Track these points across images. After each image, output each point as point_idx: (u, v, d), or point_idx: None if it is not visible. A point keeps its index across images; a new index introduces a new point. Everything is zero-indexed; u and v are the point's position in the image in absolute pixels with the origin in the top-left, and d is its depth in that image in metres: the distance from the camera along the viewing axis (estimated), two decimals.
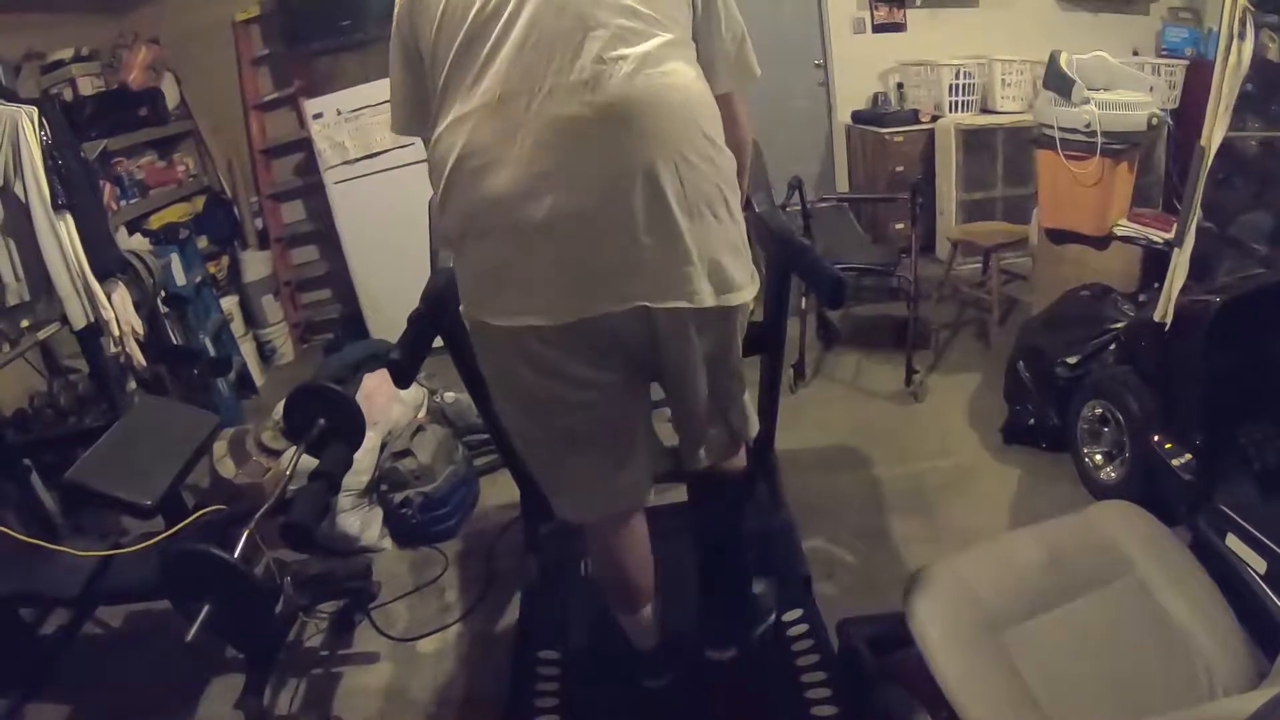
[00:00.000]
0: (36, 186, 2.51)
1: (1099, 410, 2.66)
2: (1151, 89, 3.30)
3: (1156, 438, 2.32)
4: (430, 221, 1.83)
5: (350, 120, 4.15)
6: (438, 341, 1.80)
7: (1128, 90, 3.19)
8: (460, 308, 1.47)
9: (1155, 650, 1.45)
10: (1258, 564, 1.66)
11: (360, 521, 2.88)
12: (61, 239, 2.57)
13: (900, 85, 5.05)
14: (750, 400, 1.75)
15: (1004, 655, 1.44)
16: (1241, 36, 1.96)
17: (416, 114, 1.48)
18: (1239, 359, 2.17)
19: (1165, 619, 1.48)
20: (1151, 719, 1.12)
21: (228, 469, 2.89)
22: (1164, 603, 1.50)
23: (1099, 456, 2.69)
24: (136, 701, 2.32)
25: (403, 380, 1.63)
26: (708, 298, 1.39)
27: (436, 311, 1.74)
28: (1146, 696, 1.40)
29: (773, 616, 2.07)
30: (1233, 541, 1.72)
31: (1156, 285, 3.02)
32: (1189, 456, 2.22)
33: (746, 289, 1.47)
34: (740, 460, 1.86)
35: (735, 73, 1.49)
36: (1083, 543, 1.62)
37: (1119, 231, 3.22)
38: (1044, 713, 1.37)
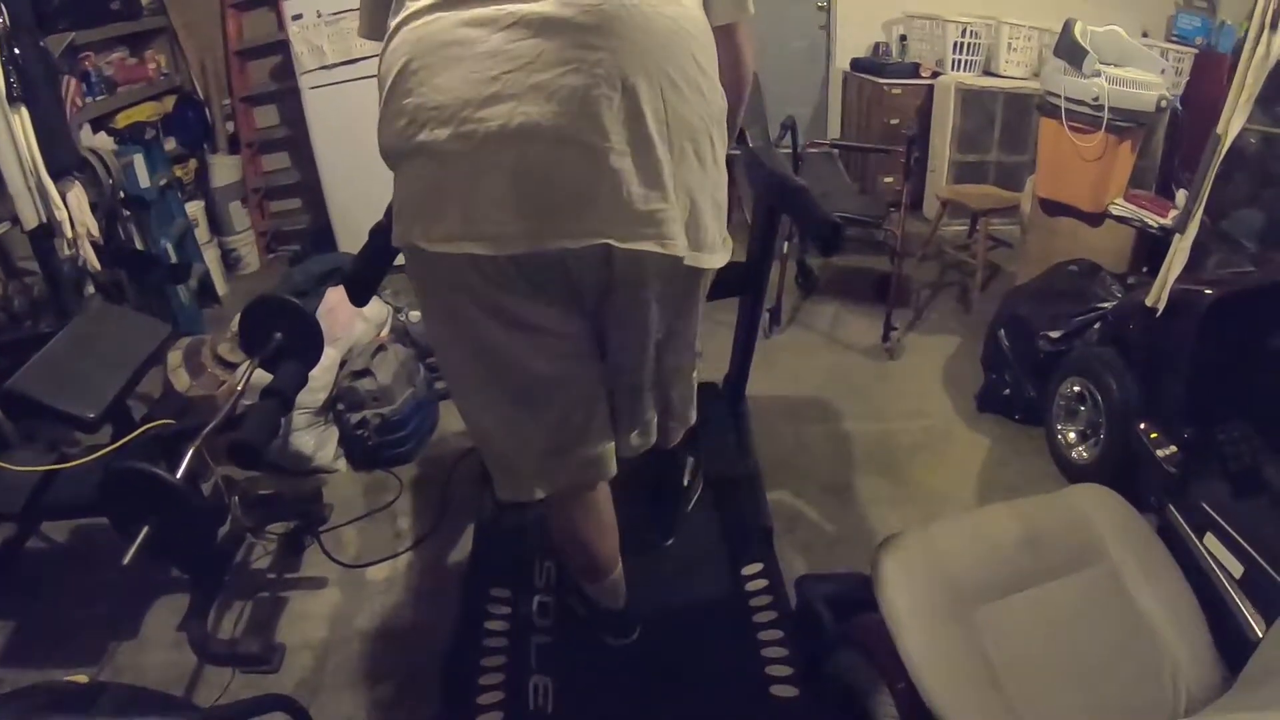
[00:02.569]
0: None
1: (1077, 388, 2.63)
2: (1163, 72, 3.22)
3: (1142, 425, 2.29)
4: None
5: (331, 24, 3.96)
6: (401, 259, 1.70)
7: (1139, 69, 3.11)
8: (393, 232, 1.28)
9: (1124, 643, 1.43)
10: (1234, 567, 1.63)
11: (315, 441, 2.79)
12: (15, 133, 2.41)
13: (904, 37, 4.93)
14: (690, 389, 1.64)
15: (971, 633, 1.41)
16: (1274, 27, 1.88)
17: (380, 13, 1.27)
18: (1227, 355, 2.14)
19: (1137, 613, 1.46)
20: None
21: (181, 381, 2.78)
22: (1137, 596, 1.48)
23: (1072, 435, 2.67)
24: (79, 619, 2.26)
25: (358, 297, 1.54)
26: (681, 248, 1.21)
27: None
28: (1111, 689, 1.38)
29: (700, 486, 2.09)
30: (1210, 541, 1.68)
31: (1146, 269, 3.02)
32: (1174, 449, 2.20)
33: (720, 253, 1.32)
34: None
35: (731, 3, 1.33)
36: (1060, 525, 1.58)
37: (1115, 210, 3.17)
38: (1005, 696, 1.34)
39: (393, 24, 1.19)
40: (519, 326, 1.29)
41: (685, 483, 2.12)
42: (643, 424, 1.54)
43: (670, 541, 2.06)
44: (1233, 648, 1.44)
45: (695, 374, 1.61)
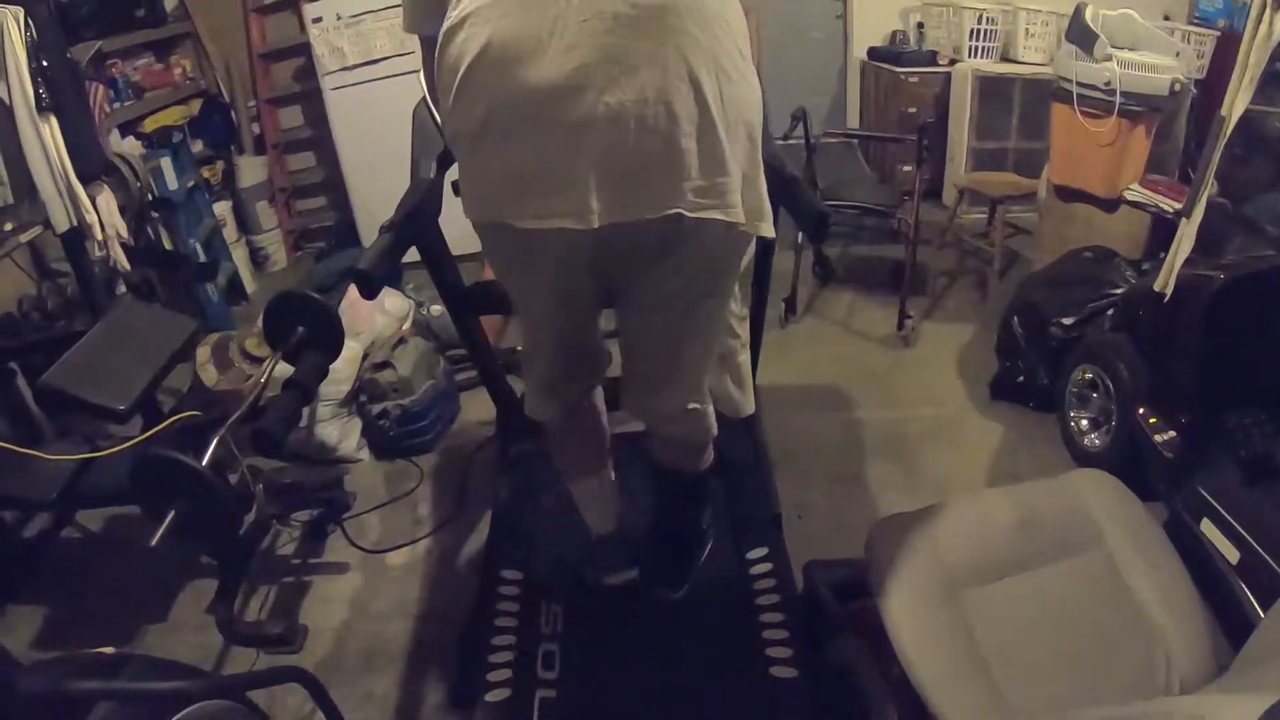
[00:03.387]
0: (20, 88, 2.45)
1: (1089, 375, 2.63)
2: (1179, 55, 3.20)
3: (1141, 410, 2.29)
4: (414, 128, 1.76)
5: (350, 25, 4.03)
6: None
7: (1152, 52, 3.09)
8: (468, 209, 1.39)
9: (1116, 630, 1.44)
10: (1231, 553, 1.62)
11: (338, 432, 2.88)
12: (45, 141, 2.51)
13: (920, 25, 4.90)
14: (740, 377, 1.72)
15: (961, 617, 1.43)
16: (1277, 6, 1.87)
17: (433, 7, 1.35)
18: (1237, 340, 2.13)
19: (1130, 599, 1.46)
20: (1105, 708, 1.10)
21: (210, 375, 2.87)
22: (1131, 582, 1.48)
23: (1085, 422, 2.67)
24: (112, 604, 2.35)
25: (368, 291, 1.59)
26: (741, 214, 1.33)
27: (413, 223, 1.69)
28: (1101, 677, 1.38)
29: (710, 543, 2.09)
30: (1207, 527, 1.68)
31: (1161, 255, 2.97)
32: (1173, 434, 2.20)
33: (767, 222, 1.42)
34: (710, 455, 1.84)
35: None
36: (1056, 509, 1.60)
37: (1129, 196, 3.15)
38: (993, 682, 1.36)
39: (458, 16, 1.26)
40: (559, 291, 1.45)
41: (704, 527, 2.05)
42: (672, 384, 1.65)
43: (680, 594, 1.97)
44: (1238, 635, 1.42)
45: (741, 358, 1.72)
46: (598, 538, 1.97)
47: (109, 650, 1.27)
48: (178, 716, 1.17)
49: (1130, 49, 3.08)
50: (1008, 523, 1.56)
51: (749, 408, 1.76)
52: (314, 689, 1.47)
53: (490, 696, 1.71)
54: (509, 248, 1.44)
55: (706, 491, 1.95)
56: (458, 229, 1.98)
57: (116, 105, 3.66)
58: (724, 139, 1.27)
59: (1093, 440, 2.63)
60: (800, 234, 3.53)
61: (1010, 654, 1.40)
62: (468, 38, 1.24)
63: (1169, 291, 2.22)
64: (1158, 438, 2.19)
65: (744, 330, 1.68)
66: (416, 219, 1.71)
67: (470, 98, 1.26)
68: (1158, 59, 3.05)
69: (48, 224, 2.69)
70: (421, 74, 1.51)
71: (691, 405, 1.68)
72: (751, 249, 1.56)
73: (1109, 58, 3.03)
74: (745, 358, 1.73)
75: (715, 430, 1.76)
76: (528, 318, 1.62)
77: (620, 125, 1.21)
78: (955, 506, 1.68)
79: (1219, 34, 4.28)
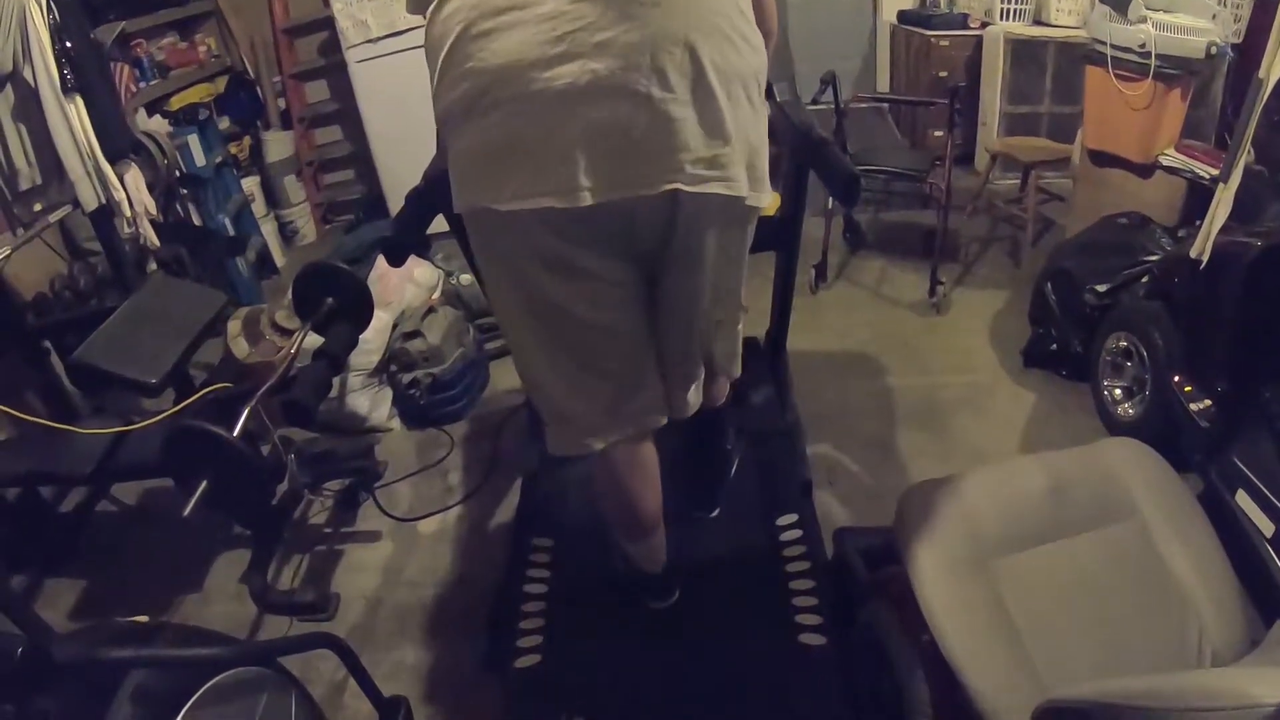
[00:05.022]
0: (45, 70, 2.46)
1: (1123, 343, 2.59)
2: (1215, 17, 3.10)
3: (1177, 378, 2.25)
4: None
5: None
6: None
7: (1188, 14, 3.00)
8: (455, 198, 1.31)
9: (1149, 601, 1.41)
10: (1265, 525, 1.59)
11: (369, 401, 2.91)
12: (71, 121, 2.52)
13: None
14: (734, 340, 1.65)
15: (993, 586, 1.41)
16: None
17: None
18: (1274, 309, 2.06)
19: (1163, 570, 1.43)
20: (1138, 678, 1.09)
21: (241, 348, 2.90)
22: (1164, 553, 1.45)
23: (1118, 391, 2.63)
24: (147, 575, 2.40)
25: (395, 259, 1.59)
26: (743, 187, 1.26)
27: (439, 189, 1.68)
28: (1133, 648, 1.36)
29: (737, 459, 2.11)
30: (1242, 498, 1.65)
31: (1197, 221, 2.89)
32: (1208, 403, 2.15)
33: (768, 193, 1.35)
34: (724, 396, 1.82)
35: None
36: (1089, 478, 1.56)
37: (1164, 161, 3.08)
38: (1025, 651, 1.34)
39: None
40: (577, 278, 1.32)
41: (728, 447, 2.12)
42: (694, 379, 1.56)
43: (715, 513, 2.07)
44: (1271, 608, 1.43)
45: (740, 327, 1.63)
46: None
47: (143, 619, 1.29)
48: (209, 683, 1.19)
49: (1165, 10, 2.99)
50: (1040, 490, 1.53)
51: (736, 371, 1.70)
52: (345, 655, 1.49)
53: (520, 663, 1.72)
54: (496, 235, 1.30)
55: (725, 417, 1.94)
56: None
57: (142, 85, 3.68)
58: (724, 106, 1.20)
59: (1126, 409, 2.59)
60: (830, 199, 3.50)
61: (1041, 624, 1.38)
62: (449, 14, 1.19)
63: (1205, 258, 2.17)
64: (1193, 407, 2.14)
65: (746, 300, 1.63)
66: (443, 185, 1.70)
67: (454, 76, 1.20)
68: (1193, 21, 2.96)
69: (76, 204, 2.71)
70: None
71: (713, 373, 1.63)
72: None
73: (1144, 19, 2.95)
74: (742, 324, 1.65)
75: (738, 372, 1.70)
76: (523, 324, 1.42)
77: (610, 95, 1.13)
78: (986, 473, 1.64)
79: None
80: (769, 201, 1.37)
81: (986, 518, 1.50)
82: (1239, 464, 1.69)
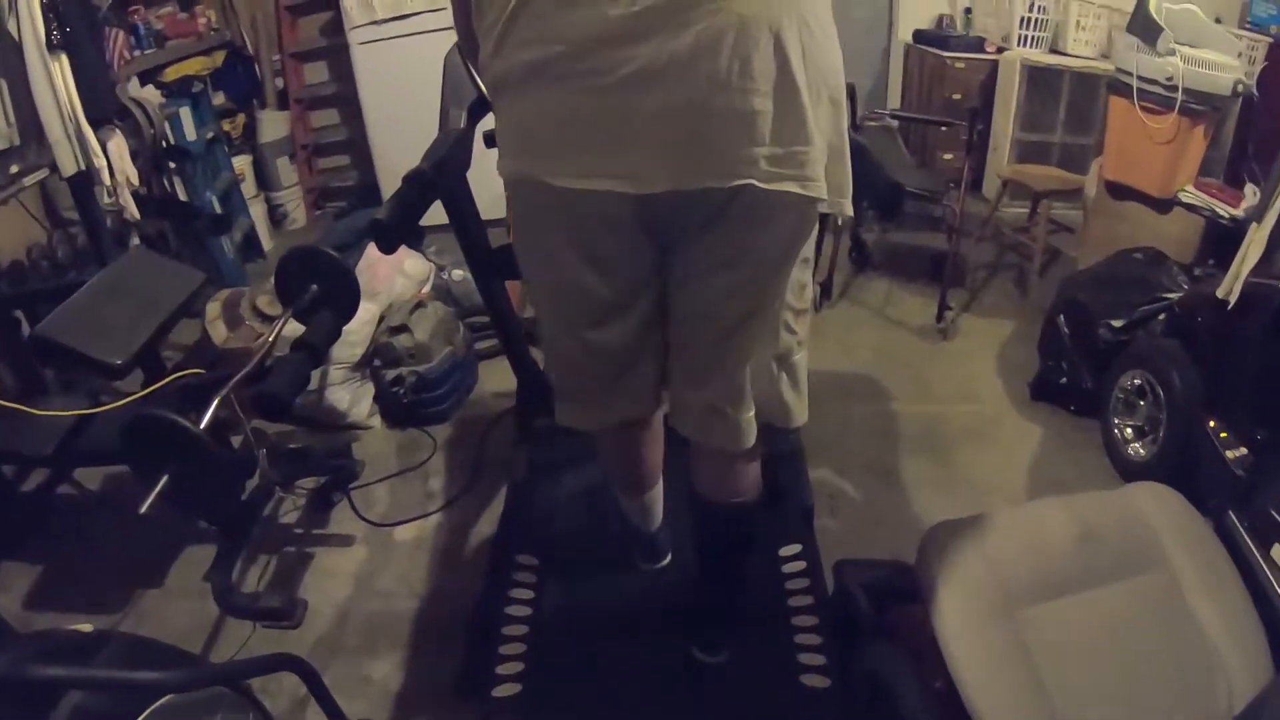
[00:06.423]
0: (31, 24, 2.34)
1: (1138, 381, 2.50)
2: (1240, 55, 3.06)
3: (1212, 423, 2.16)
4: (445, 75, 1.64)
5: None
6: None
7: (1215, 51, 2.95)
8: (501, 162, 1.23)
9: (1178, 656, 1.36)
10: None
11: (350, 397, 2.78)
12: (54, 80, 2.41)
13: (969, 10, 4.74)
14: (797, 380, 1.47)
15: (1019, 637, 1.34)
16: None
17: None
18: None
19: (1194, 624, 1.38)
20: None
21: (219, 332, 2.77)
22: (1195, 607, 1.40)
23: (1130, 430, 2.54)
24: (108, 566, 2.27)
25: (387, 244, 1.48)
26: (823, 189, 1.16)
27: (439, 174, 1.57)
28: (1161, 703, 1.32)
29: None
30: (1278, 552, 1.57)
31: (1213, 261, 2.86)
32: (1245, 450, 2.07)
33: (848, 200, 1.26)
34: (754, 484, 1.56)
35: None
36: (1118, 525, 1.50)
37: (1184, 198, 3.03)
38: (1051, 704, 1.28)
39: None
40: (598, 259, 1.26)
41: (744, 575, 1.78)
42: (708, 386, 1.41)
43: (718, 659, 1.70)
44: None
45: (793, 366, 1.45)
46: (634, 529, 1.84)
47: (87, 628, 1.16)
48: (156, 704, 1.06)
49: (1191, 45, 2.93)
50: (1069, 538, 1.46)
51: (801, 417, 1.50)
52: (308, 677, 1.36)
53: (498, 691, 1.60)
54: (539, 208, 1.24)
55: (749, 537, 1.67)
56: (487, 194, 1.87)
57: (137, 53, 3.54)
58: (806, 101, 1.11)
59: (1137, 449, 2.50)
60: (837, 216, 3.41)
61: (1069, 678, 1.31)
62: None
63: (1233, 300, 2.11)
64: (1229, 454, 2.06)
65: (803, 327, 1.47)
66: (443, 170, 1.59)
67: (517, 41, 1.11)
68: (1220, 57, 2.92)
69: (55, 168, 2.58)
70: (454, 20, 1.36)
71: (722, 406, 1.41)
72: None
73: (1173, 52, 2.90)
74: (803, 357, 1.46)
75: (751, 442, 1.45)
76: (547, 300, 1.41)
77: (687, 79, 1.05)
78: (1012, 516, 1.58)
79: (1271, 40, 4.13)
80: (850, 210, 1.27)
81: (1014, 564, 1.43)
82: (1276, 516, 1.60)
